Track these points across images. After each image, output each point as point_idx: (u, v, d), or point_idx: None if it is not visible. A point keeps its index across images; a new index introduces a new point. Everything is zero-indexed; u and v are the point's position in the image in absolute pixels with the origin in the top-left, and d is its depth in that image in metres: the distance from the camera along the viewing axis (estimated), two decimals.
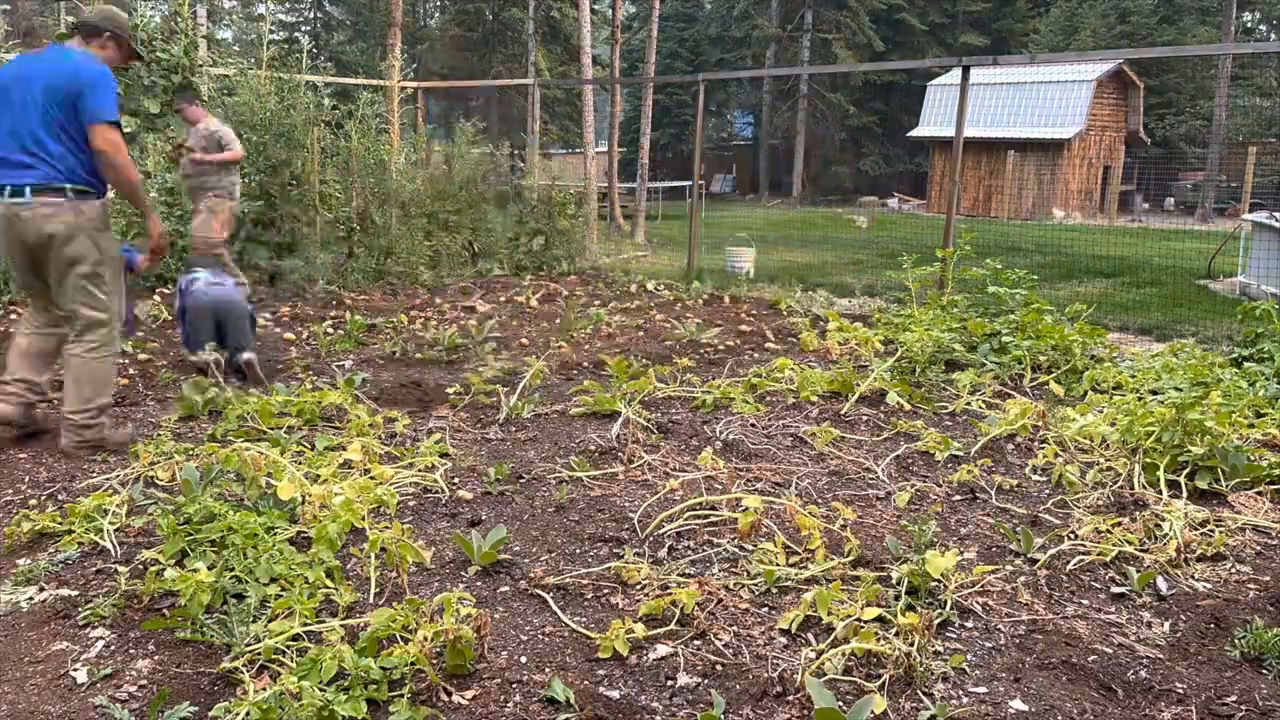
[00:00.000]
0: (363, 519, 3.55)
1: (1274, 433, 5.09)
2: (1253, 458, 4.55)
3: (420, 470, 4.30)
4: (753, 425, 5.22)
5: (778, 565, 3.41)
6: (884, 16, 38.27)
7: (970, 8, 39.27)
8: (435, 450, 4.54)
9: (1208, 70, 33.76)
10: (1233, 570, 3.61)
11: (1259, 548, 3.83)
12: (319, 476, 3.97)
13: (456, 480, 4.29)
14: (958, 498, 4.29)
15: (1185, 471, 4.43)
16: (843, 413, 5.48)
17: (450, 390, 5.78)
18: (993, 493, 4.33)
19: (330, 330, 7.66)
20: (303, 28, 42.70)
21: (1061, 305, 7.43)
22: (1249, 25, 38.83)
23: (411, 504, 4.00)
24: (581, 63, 18.73)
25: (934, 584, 3.27)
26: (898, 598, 3.19)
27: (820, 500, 4.16)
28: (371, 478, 3.99)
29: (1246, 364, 6.28)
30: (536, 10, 35.84)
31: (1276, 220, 11.30)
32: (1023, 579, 3.45)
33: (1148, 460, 4.53)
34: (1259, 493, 4.39)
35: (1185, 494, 4.28)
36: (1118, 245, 16.93)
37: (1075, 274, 12.97)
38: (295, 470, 3.88)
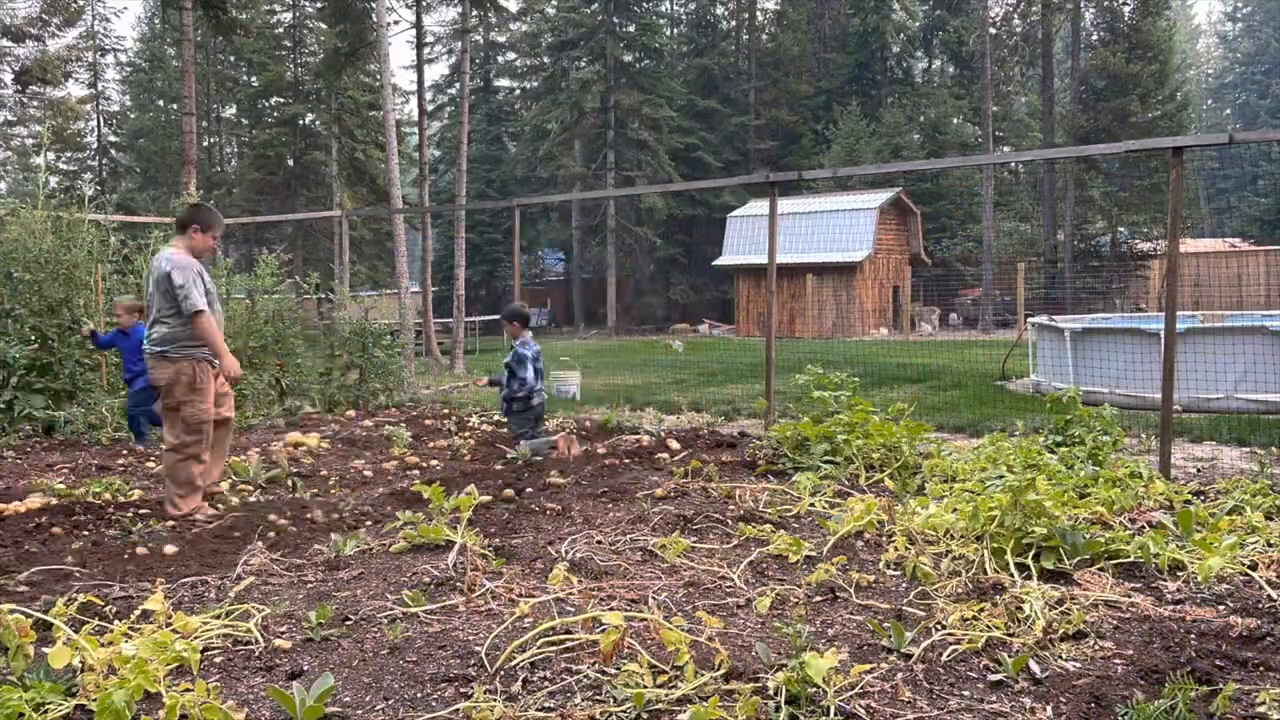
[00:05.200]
0: (158, 681, 3.00)
1: (1101, 510, 5.25)
2: (1089, 535, 4.63)
3: (230, 619, 3.75)
4: (599, 542, 4.92)
5: (645, 687, 3.09)
6: (681, 155, 40.37)
7: (760, 146, 42.05)
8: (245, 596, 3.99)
9: (974, 198, 37.24)
10: (1097, 647, 3.56)
11: (1115, 622, 3.82)
12: (106, 635, 3.37)
13: (270, 628, 3.76)
14: (818, 598, 4.12)
15: (1031, 553, 4.44)
16: (691, 522, 5.27)
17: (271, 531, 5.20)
18: (852, 591, 4.19)
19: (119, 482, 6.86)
20: (85, 175, 40.73)
21: (878, 410, 7.59)
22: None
23: (219, 659, 3.45)
24: (391, 201, 18.55)
25: (814, 690, 3.03)
26: (778, 709, 2.93)
27: (681, 613, 3.88)
28: (173, 630, 3.42)
29: (1061, 449, 6.55)
30: (340, 153, 35.70)
31: (1055, 321, 12.24)
32: (901, 675, 3.27)
33: (994, 545, 4.53)
34: (1100, 569, 4.45)
35: (1035, 575, 4.27)
36: (917, 356, 17.91)
37: (884, 382, 13.52)
38: (74, 633, 3.27)
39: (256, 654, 3.50)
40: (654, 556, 4.70)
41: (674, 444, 7.84)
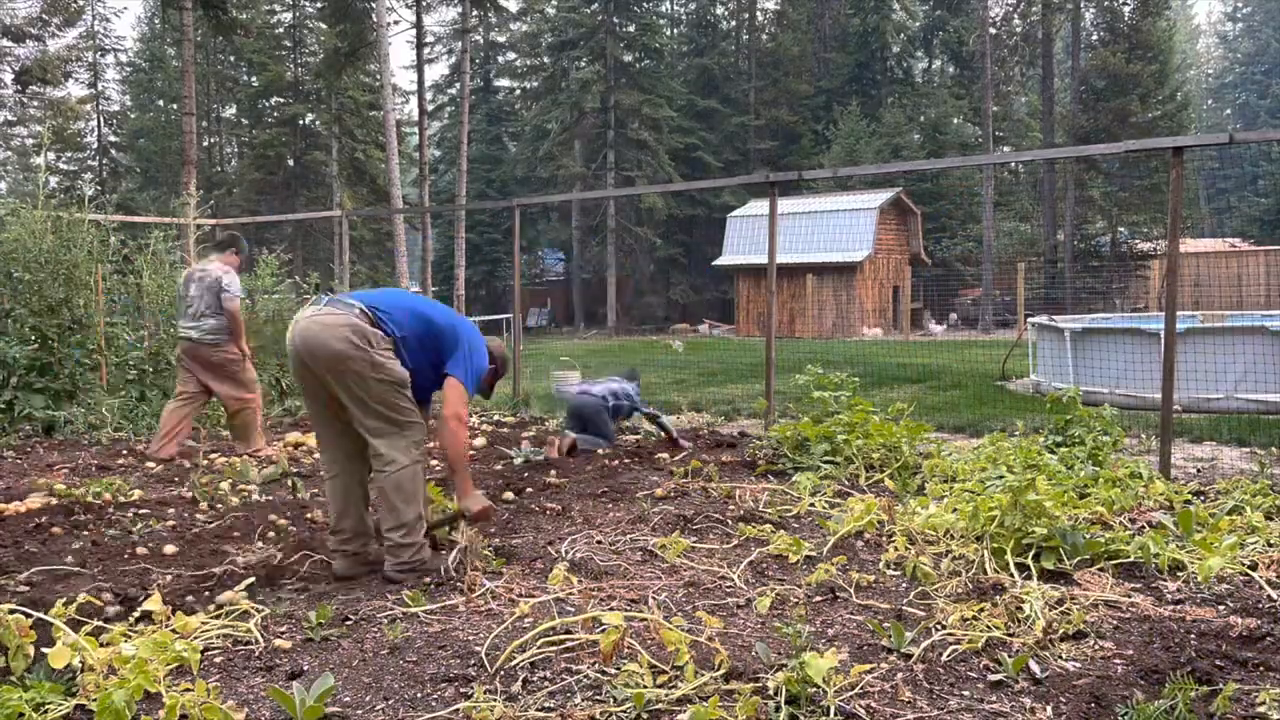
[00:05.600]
0: (159, 681, 3.00)
1: (1101, 510, 5.25)
2: (1089, 535, 4.63)
3: (230, 619, 3.75)
4: (599, 542, 4.93)
5: (645, 687, 3.09)
6: (681, 155, 40.37)
7: (760, 146, 42.04)
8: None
9: (974, 198, 37.23)
10: (1097, 647, 3.56)
11: (1115, 622, 3.82)
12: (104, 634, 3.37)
13: (270, 628, 3.76)
14: (818, 598, 4.12)
15: (1031, 553, 4.44)
16: (691, 522, 5.27)
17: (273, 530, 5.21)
18: (852, 591, 4.19)
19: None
20: (85, 175, 40.70)
21: (878, 410, 7.57)
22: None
23: (219, 659, 3.45)
24: (391, 201, 18.55)
25: (814, 690, 3.03)
26: (778, 709, 2.93)
27: (681, 613, 3.88)
28: (172, 630, 3.42)
29: (1061, 449, 6.55)
30: (340, 153, 35.71)
31: (1055, 321, 12.24)
32: (901, 675, 3.27)
33: (994, 545, 4.53)
34: (1100, 569, 4.45)
35: (1035, 575, 4.27)
36: (917, 356, 17.91)
37: (884, 382, 13.52)
38: (73, 632, 3.27)
39: (256, 654, 3.50)
40: (654, 556, 4.70)
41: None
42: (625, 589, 4.18)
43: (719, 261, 33.27)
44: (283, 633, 3.71)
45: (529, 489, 6.33)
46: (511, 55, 49.98)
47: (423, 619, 3.84)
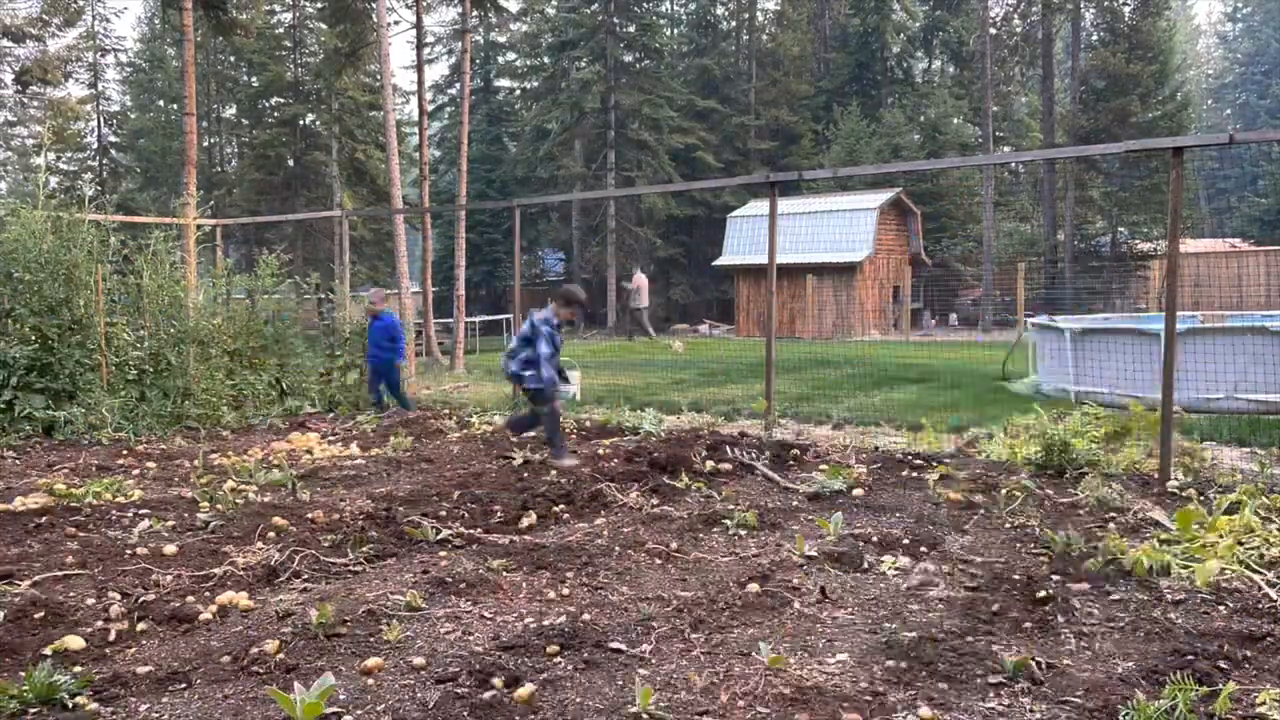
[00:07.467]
0: None
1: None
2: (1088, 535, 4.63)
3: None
4: (599, 543, 4.93)
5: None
6: (682, 155, 40.39)
7: (760, 146, 42.07)
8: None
9: (974, 198, 37.26)
10: (1097, 647, 3.56)
11: (1115, 622, 3.82)
12: None
13: (268, 626, 3.76)
14: (819, 598, 4.12)
15: None
16: (693, 522, 5.27)
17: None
18: (849, 591, 4.19)
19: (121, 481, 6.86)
20: (85, 175, 40.68)
21: (880, 411, 7.58)
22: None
23: (220, 657, 3.45)
24: (391, 201, 18.56)
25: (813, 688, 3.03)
26: None
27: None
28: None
29: None
30: (340, 153, 35.72)
31: (1055, 321, 12.24)
32: (901, 675, 3.27)
33: None
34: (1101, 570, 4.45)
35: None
36: (917, 356, 17.91)
37: (885, 381, 13.52)
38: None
39: (256, 653, 3.50)
40: (654, 555, 4.70)
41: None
42: (626, 587, 4.18)
43: (719, 262, 33.26)
44: (283, 632, 3.71)
45: (536, 495, 6.32)
46: (511, 55, 49.93)
47: (423, 619, 3.84)
